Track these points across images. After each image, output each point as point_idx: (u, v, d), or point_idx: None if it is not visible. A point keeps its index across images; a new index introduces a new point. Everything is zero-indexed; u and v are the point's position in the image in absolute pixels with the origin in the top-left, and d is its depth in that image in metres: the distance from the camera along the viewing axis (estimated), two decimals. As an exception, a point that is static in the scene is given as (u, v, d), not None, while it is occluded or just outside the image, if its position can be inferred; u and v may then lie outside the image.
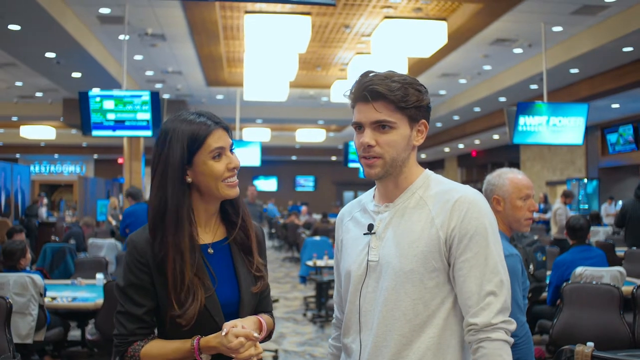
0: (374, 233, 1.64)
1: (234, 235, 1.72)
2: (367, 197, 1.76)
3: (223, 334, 1.55)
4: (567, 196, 10.18)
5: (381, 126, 1.58)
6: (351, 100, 1.64)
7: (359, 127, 1.62)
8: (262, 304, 1.78)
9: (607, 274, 5.00)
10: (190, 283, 1.59)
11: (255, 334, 1.59)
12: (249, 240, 1.74)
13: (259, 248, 1.78)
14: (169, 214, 1.61)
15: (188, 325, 1.58)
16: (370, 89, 1.57)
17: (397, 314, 1.56)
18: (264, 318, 1.71)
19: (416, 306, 1.55)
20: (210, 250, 1.69)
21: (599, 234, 11.22)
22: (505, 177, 2.53)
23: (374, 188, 1.75)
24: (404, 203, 1.63)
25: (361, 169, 1.65)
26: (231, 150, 1.68)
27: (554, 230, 9.75)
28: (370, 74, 1.61)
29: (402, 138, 1.60)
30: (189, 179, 1.64)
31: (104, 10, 8.60)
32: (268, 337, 1.73)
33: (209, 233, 1.71)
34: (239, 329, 1.56)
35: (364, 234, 1.66)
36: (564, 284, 4.58)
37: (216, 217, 1.74)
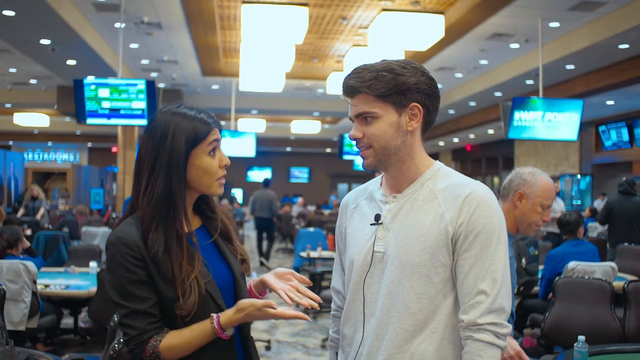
0: (381, 223, 1.61)
1: (217, 225, 1.72)
2: (375, 185, 1.73)
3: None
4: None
5: (364, 118, 1.59)
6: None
7: (353, 121, 1.64)
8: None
9: (599, 269, 5.05)
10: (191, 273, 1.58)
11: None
12: (227, 228, 1.75)
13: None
14: (175, 205, 1.59)
15: (189, 316, 1.53)
16: (345, 85, 1.61)
17: (400, 306, 1.53)
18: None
19: (420, 300, 1.53)
20: (195, 239, 1.67)
21: (597, 229, 10.96)
22: (539, 177, 2.48)
23: (381, 176, 1.72)
24: (413, 195, 1.61)
25: (356, 162, 1.66)
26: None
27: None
28: (355, 68, 1.62)
29: (389, 126, 1.59)
30: None
31: (100, -2, 8.56)
32: None
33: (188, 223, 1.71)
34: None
35: (371, 224, 1.64)
36: (556, 278, 4.61)
37: (191, 207, 1.73)
